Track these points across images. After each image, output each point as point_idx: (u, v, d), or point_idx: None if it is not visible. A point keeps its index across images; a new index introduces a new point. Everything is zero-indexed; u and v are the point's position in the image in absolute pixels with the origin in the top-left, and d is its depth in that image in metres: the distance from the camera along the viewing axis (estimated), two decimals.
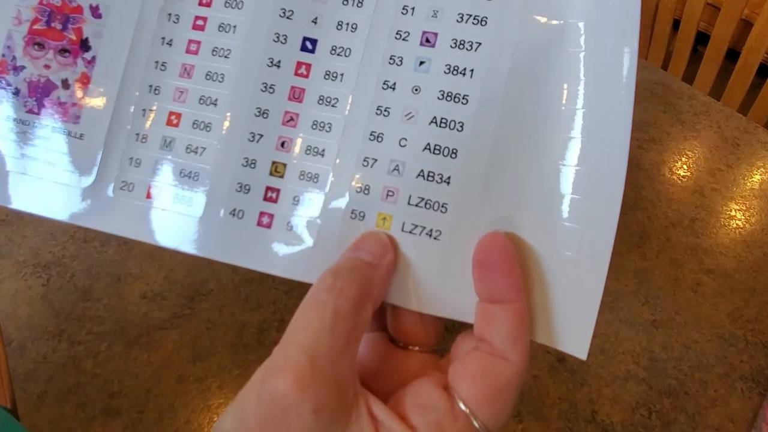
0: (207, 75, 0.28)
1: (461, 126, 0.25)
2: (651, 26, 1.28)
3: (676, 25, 1.23)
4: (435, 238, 0.25)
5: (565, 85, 0.25)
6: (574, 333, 0.23)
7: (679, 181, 0.79)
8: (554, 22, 0.25)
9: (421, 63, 0.26)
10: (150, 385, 0.53)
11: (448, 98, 0.25)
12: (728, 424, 0.56)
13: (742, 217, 0.75)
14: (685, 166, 0.81)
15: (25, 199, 0.28)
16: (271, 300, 0.60)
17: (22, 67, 0.29)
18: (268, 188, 0.27)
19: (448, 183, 0.25)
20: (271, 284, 0.61)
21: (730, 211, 0.76)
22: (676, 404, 0.57)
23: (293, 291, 0.61)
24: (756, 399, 0.58)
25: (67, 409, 0.51)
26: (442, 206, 0.25)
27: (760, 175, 0.81)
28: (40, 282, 0.60)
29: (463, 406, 0.20)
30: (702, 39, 1.23)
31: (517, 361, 0.21)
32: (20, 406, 0.51)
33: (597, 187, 0.24)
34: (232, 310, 0.59)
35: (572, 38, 0.25)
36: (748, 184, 0.80)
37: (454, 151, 0.25)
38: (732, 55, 1.18)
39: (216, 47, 0.28)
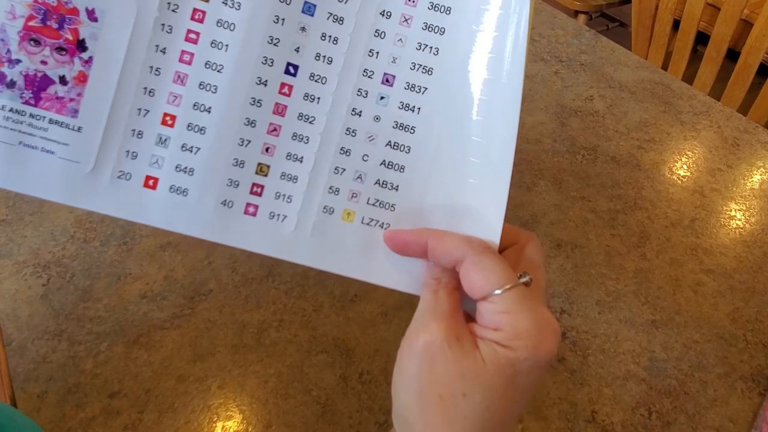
0: (200, 85, 0.31)
1: (408, 149, 0.33)
2: (651, 26, 1.28)
3: (676, 25, 1.23)
4: (385, 229, 0.33)
5: (475, 111, 0.32)
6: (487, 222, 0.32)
7: (679, 181, 0.79)
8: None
9: (382, 98, 0.32)
10: (150, 385, 0.53)
11: (400, 128, 0.33)
12: (728, 424, 0.56)
13: (742, 217, 0.75)
14: (685, 166, 0.81)
15: (24, 182, 0.31)
16: (271, 300, 0.60)
17: (18, 61, 0.30)
18: (254, 184, 0.32)
19: (397, 190, 0.33)
20: (271, 284, 0.61)
21: (730, 211, 0.76)
22: (676, 404, 0.57)
23: (293, 291, 0.61)
24: (756, 399, 0.58)
25: (67, 409, 0.51)
26: (391, 206, 0.33)
27: (760, 175, 0.81)
28: (40, 282, 0.60)
29: (492, 294, 0.28)
30: (702, 39, 1.24)
31: (462, 252, 0.29)
32: (20, 406, 0.51)
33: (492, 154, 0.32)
34: (232, 310, 0.59)
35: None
36: (748, 184, 0.80)
37: (402, 167, 0.33)
38: (732, 55, 1.18)
39: (209, 61, 0.31)
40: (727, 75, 1.19)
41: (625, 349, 0.60)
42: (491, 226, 0.31)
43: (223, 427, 0.52)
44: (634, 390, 0.57)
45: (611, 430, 0.54)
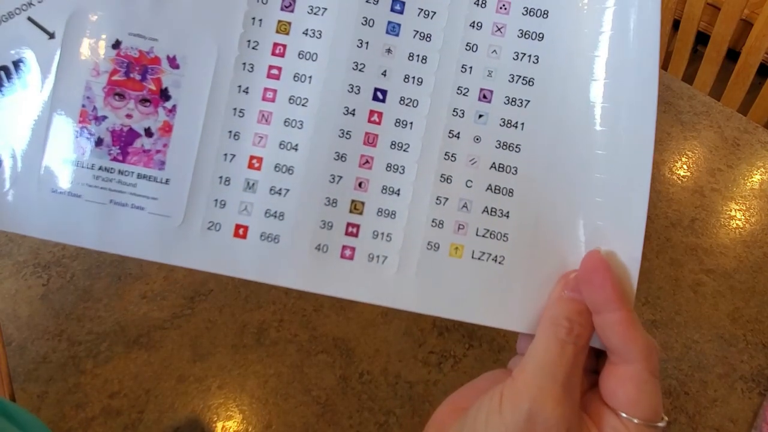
0: (285, 122, 0.29)
1: (515, 170, 0.29)
2: None
3: (676, 25, 1.23)
4: (499, 263, 0.29)
5: (598, 107, 0.28)
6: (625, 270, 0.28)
7: (679, 181, 0.79)
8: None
9: (480, 116, 0.30)
10: (150, 385, 0.53)
11: (504, 147, 0.29)
12: (728, 424, 0.56)
13: (742, 217, 0.75)
14: (685, 166, 0.81)
15: (116, 242, 0.29)
16: (271, 300, 0.60)
17: (104, 117, 0.29)
18: (349, 224, 0.29)
19: (508, 217, 0.29)
20: (271, 284, 0.61)
21: (730, 211, 0.76)
22: (676, 404, 0.57)
23: (293, 291, 0.61)
24: (756, 399, 0.58)
25: (67, 409, 0.51)
26: (504, 236, 0.29)
27: (760, 175, 0.81)
28: (40, 282, 0.60)
29: (624, 415, 0.25)
30: (702, 39, 1.23)
31: (639, 359, 0.25)
32: (20, 406, 0.51)
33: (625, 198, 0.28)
34: (232, 310, 0.59)
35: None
36: (748, 184, 0.80)
37: (511, 190, 0.29)
38: (732, 55, 1.18)
39: (293, 96, 0.30)
40: (727, 75, 1.19)
41: None
42: (626, 270, 0.28)
43: (223, 427, 0.52)
44: None
45: None
